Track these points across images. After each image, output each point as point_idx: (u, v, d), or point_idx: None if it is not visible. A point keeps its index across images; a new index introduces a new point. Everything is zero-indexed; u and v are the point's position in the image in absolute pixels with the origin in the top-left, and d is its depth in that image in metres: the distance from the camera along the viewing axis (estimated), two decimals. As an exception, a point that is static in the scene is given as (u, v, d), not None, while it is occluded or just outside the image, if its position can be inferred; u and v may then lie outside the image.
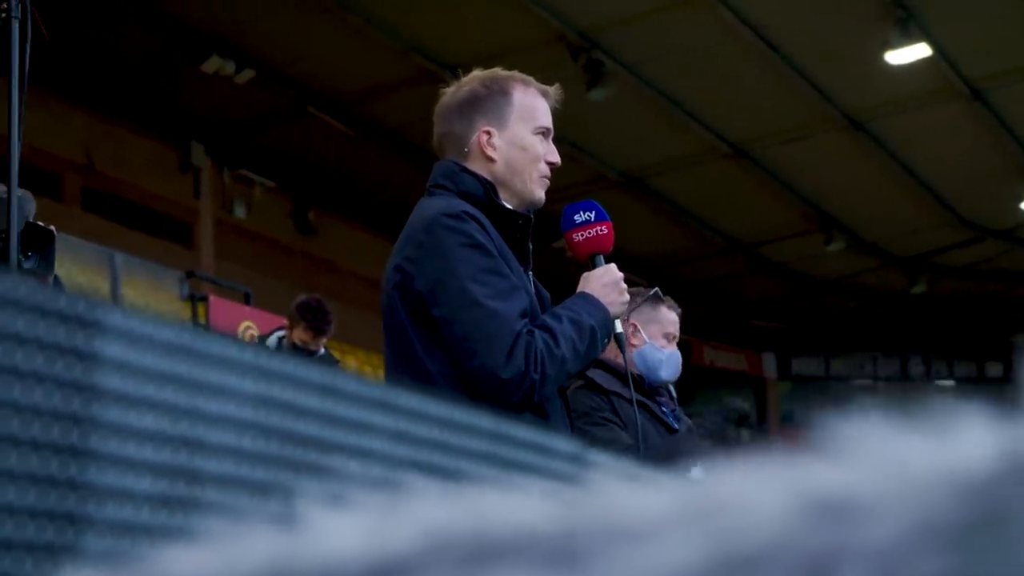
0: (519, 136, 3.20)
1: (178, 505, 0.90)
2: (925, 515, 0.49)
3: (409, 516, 0.58)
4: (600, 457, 1.41)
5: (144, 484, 0.88)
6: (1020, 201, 20.44)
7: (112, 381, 0.87)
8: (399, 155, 16.81)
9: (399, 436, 1.05)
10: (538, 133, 3.22)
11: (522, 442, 1.19)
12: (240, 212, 18.07)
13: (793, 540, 0.51)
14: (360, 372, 14.97)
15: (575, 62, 15.06)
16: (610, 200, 18.20)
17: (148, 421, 0.89)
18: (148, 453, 0.89)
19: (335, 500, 0.61)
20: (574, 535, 0.55)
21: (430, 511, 0.58)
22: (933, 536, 0.49)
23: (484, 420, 1.16)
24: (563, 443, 1.30)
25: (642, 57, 15.40)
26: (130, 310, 0.86)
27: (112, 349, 0.87)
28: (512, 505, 0.57)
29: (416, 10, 14.17)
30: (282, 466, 0.96)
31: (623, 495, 0.56)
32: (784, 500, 0.52)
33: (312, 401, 0.99)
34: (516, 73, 3.30)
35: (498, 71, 3.30)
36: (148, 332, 0.89)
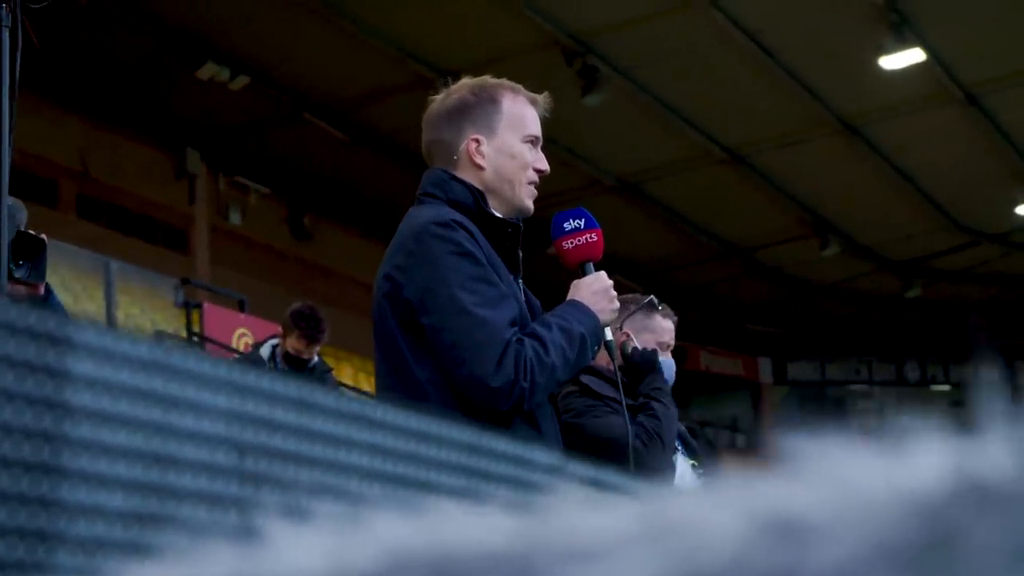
0: (508, 144, 3.20)
1: (151, 522, 0.90)
2: (879, 535, 0.50)
3: (371, 535, 0.59)
4: (580, 468, 1.41)
5: (116, 501, 0.88)
6: (1015, 205, 20.47)
7: (83, 398, 0.87)
8: (394, 161, 16.82)
9: (375, 450, 1.06)
10: (527, 141, 3.22)
11: (501, 455, 1.19)
12: (235, 218, 18.09)
13: (749, 560, 0.51)
14: (356, 379, 14.93)
15: (570, 67, 15.08)
16: (605, 205, 18.23)
17: (121, 438, 0.89)
18: (121, 469, 0.89)
19: (300, 517, 0.61)
20: (533, 555, 0.55)
21: (392, 530, 0.58)
22: (887, 556, 0.49)
23: (461, 433, 1.16)
24: (543, 455, 1.30)
25: (637, 62, 15.42)
26: (101, 326, 0.86)
27: (83, 366, 0.87)
28: (473, 524, 0.57)
29: (411, 16, 14.19)
30: (256, 482, 0.96)
31: (582, 515, 0.56)
32: (740, 520, 0.52)
33: (286, 416, 0.99)
34: (505, 81, 3.30)
35: (487, 79, 3.29)
36: (120, 348, 0.89)
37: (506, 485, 1.20)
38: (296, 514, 0.62)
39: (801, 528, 0.51)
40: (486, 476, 1.18)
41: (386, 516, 0.59)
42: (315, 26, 14.38)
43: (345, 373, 15.37)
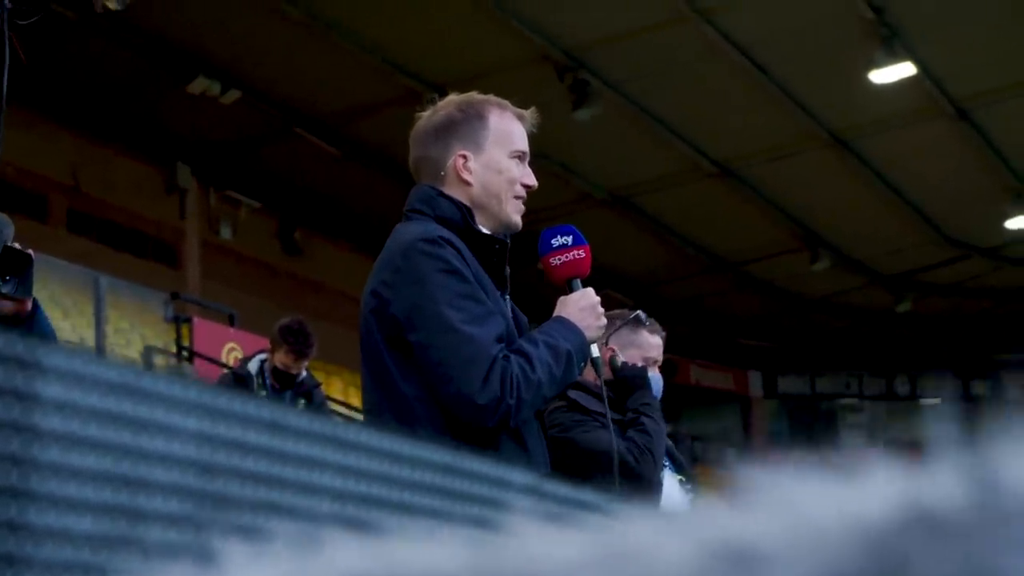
0: (495, 160, 3.20)
1: (120, 544, 0.90)
2: (830, 564, 0.50)
3: (328, 559, 0.59)
4: (555, 488, 1.41)
5: (85, 524, 0.88)
6: (1005, 219, 20.51)
7: (52, 421, 0.87)
8: (385, 175, 16.83)
9: (347, 472, 1.06)
10: (514, 157, 3.22)
11: (476, 475, 1.19)
12: (226, 233, 18.09)
13: (703, 588, 0.51)
14: (346, 393, 14.89)
15: (561, 82, 15.10)
16: (596, 218, 18.20)
17: (90, 461, 0.89)
18: (89, 493, 0.89)
19: (261, 541, 0.61)
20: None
21: (349, 555, 0.58)
22: (838, 585, 0.49)
23: (434, 453, 1.16)
24: (518, 475, 1.30)
25: (627, 76, 15.44)
26: (70, 350, 0.86)
27: (52, 389, 0.87)
28: (429, 549, 0.57)
29: (401, 31, 14.21)
30: (226, 505, 0.96)
31: (538, 540, 0.56)
32: (693, 548, 0.52)
33: (257, 438, 0.99)
34: (492, 97, 3.30)
35: (474, 95, 3.29)
36: (89, 372, 0.89)
37: (480, 506, 1.20)
38: (258, 537, 0.62)
39: (753, 556, 0.51)
40: (460, 496, 1.18)
41: (344, 541, 0.59)
42: (305, 41, 14.39)
43: (335, 387, 15.36)
